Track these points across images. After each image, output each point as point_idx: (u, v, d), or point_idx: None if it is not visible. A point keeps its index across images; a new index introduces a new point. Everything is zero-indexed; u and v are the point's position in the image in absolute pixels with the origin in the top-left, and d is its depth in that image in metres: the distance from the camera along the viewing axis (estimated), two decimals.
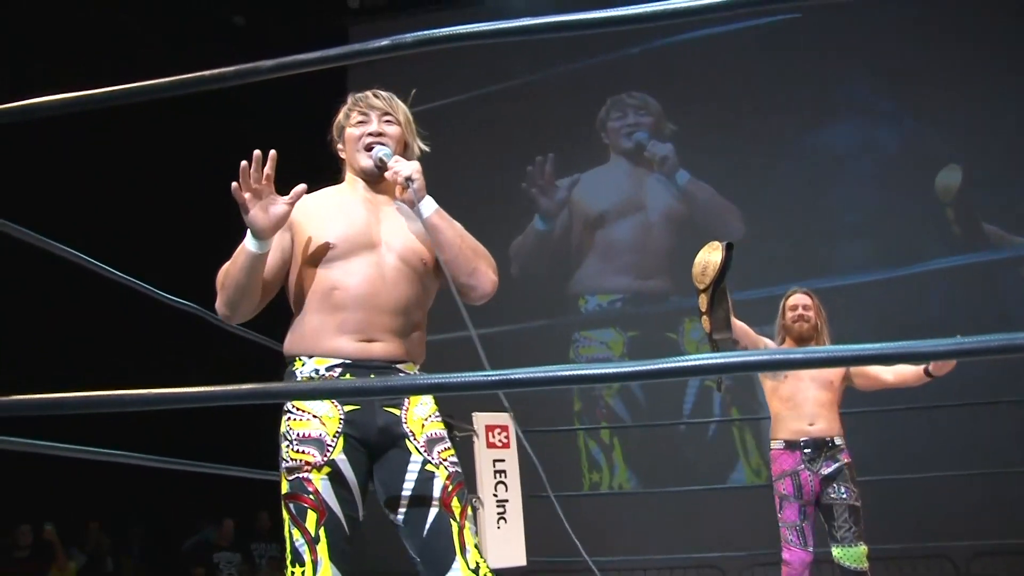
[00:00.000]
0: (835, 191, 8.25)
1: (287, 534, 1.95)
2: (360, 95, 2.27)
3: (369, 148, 2.19)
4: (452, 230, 2.12)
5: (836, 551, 3.87)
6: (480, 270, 2.15)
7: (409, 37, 1.31)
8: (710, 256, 3.70)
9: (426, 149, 2.30)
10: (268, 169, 1.96)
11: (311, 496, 1.94)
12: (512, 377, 1.16)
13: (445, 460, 2.06)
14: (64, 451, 2.77)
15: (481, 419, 5.08)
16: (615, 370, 1.15)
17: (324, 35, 9.21)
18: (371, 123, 2.21)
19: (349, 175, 2.27)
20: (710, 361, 1.16)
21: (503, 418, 5.18)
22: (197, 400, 1.27)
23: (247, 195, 1.95)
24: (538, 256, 8.85)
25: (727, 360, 1.19)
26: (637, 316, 8.52)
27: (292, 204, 1.99)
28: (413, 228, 2.17)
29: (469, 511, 2.04)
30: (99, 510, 8.03)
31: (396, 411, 2.06)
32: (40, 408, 1.34)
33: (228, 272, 2.02)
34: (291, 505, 1.95)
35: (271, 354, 4.04)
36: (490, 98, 8.93)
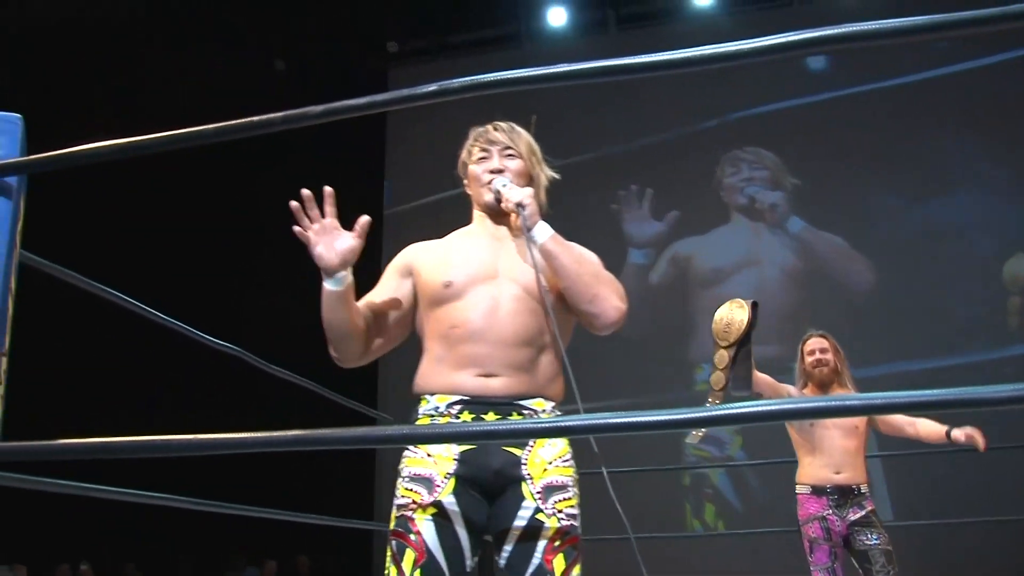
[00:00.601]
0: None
1: (388, 569, 1.93)
2: (480, 130, 2.22)
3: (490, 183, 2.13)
4: (568, 255, 2.01)
5: None
6: (601, 296, 2.01)
7: (456, 83, 1.31)
8: (734, 313, 3.68)
9: (556, 176, 2.23)
10: (328, 207, 1.92)
11: (412, 536, 1.89)
12: (615, 421, 1.13)
13: (561, 512, 1.92)
14: (106, 494, 2.77)
15: None
16: (645, 419, 1.12)
17: (363, 79, 9.34)
18: (492, 158, 2.15)
19: (476, 213, 2.21)
20: (745, 410, 1.14)
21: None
22: (293, 444, 1.24)
23: (309, 234, 1.91)
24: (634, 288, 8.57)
25: (762, 408, 1.16)
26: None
27: (361, 237, 1.93)
28: (527, 255, 2.06)
29: (576, 571, 1.91)
30: (135, 550, 8.06)
31: (518, 451, 1.94)
32: (91, 452, 1.34)
33: (324, 316, 1.98)
34: (393, 542, 1.93)
35: (317, 399, 4.06)
36: (608, 160, 8.92)
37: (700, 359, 8.28)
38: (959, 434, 3.87)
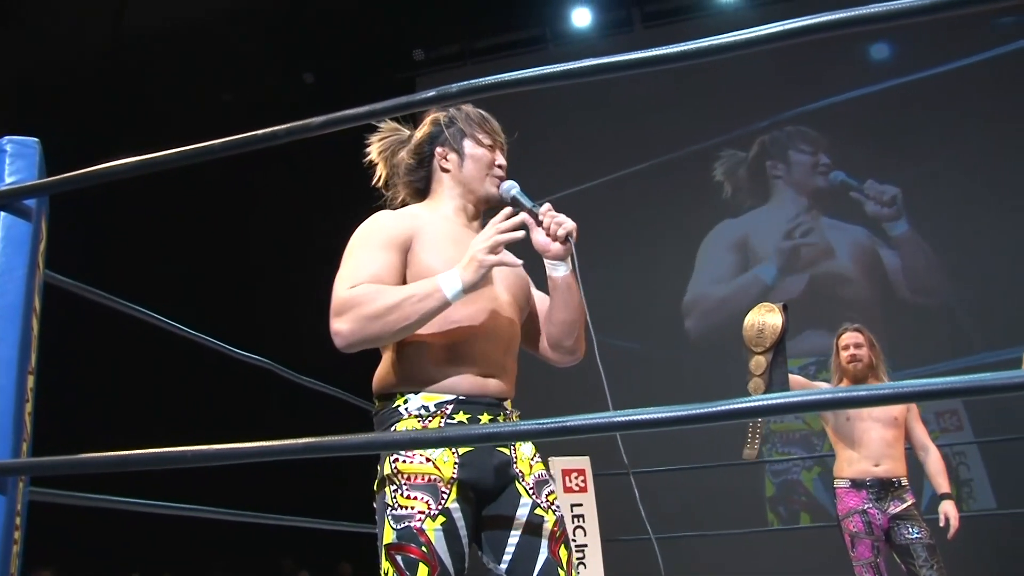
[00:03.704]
0: None
1: None
2: (484, 114, 2.13)
3: (499, 178, 2.06)
4: (580, 294, 2.02)
5: None
6: (582, 340, 2.08)
7: (454, 87, 1.31)
8: (766, 318, 3.64)
9: None
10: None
11: (423, 548, 1.77)
12: (640, 418, 1.12)
13: (552, 504, 1.93)
14: (142, 507, 2.81)
15: (558, 463, 5.05)
16: (671, 414, 1.12)
17: (391, 88, 9.41)
18: (498, 154, 2.08)
19: (454, 194, 2.08)
20: (775, 402, 1.13)
21: (581, 462, 5.14)
22: (305, 452, 1.24)
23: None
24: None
25: (791, 400, 1.15)
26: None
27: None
28: (516, 268, 2.02)
29: (574, 560, 1.92)
30: (175, 562, 8.15)
31: (506, 451, 1.92)
32: (109, 466, 1.37)
33: (397, 306, 1.79)
34: (398, 557, 1.78)
35: (348, 407, 4.09)
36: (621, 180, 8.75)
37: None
38: (945, 508, 3.91)
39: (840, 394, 1.12)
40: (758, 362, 3.68)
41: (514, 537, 1.87)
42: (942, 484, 3.99)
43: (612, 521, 4.93)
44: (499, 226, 1.83)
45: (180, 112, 8.07)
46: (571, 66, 1.25)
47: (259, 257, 8.96)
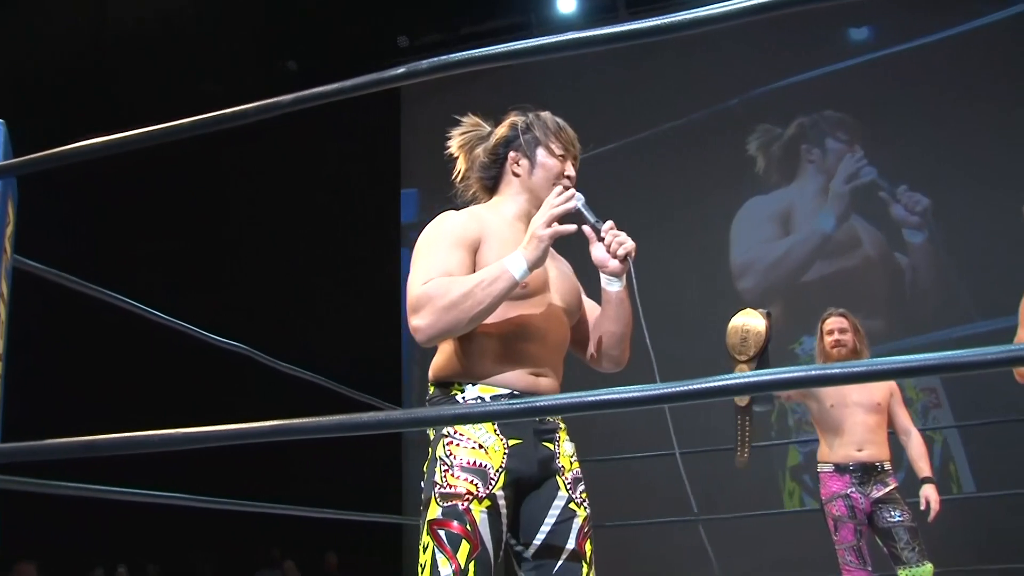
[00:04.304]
0: None
1: (428, 560, 1.87)
2: (560, 123, 2.18)
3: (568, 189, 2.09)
4: (631, 309, 2.12)
5: (903, 573, 3.85)
6: (627, 350, 2.19)
7: (424, 64, 1.31)
8: (750, 322, 3.61)
9: None
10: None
11: (468, 527, 1.87)
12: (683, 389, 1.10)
13: (584, 501, 2.05)
14: (114, 494, 2.79)
15: None
16: (640, 394, 1.10)
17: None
18: (568, 164, 2.14)
19: (519, 199, 2.15)
20: (745, 380, 1.11)
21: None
22: (367, 427, 1.19)
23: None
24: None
25: (763, 378, 1.14)
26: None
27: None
28: (567, 272, 2.19)
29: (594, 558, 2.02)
30: (158, 552, 8.12)
31: (551, 446, 2.03)
32: (74, 451, 1.35)
33: (469, 293, 1.87)
34: (441, 532, 1.87)
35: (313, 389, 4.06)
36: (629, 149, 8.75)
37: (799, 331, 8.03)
38: (926, 492, 3.93)
39: (814, 372, 1.12)
40: (741, 371, 3.64)
41: (547, 525, 1.98)
42: (923, 468, 4.01)
43: (596, 508, 4.92)
44: (553, 202, 1.93)
45: (162, 102, 8.00)
46: (541, 42, 1.24)
47: (238, 239, 8.91)
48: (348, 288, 9.30)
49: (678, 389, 1.05)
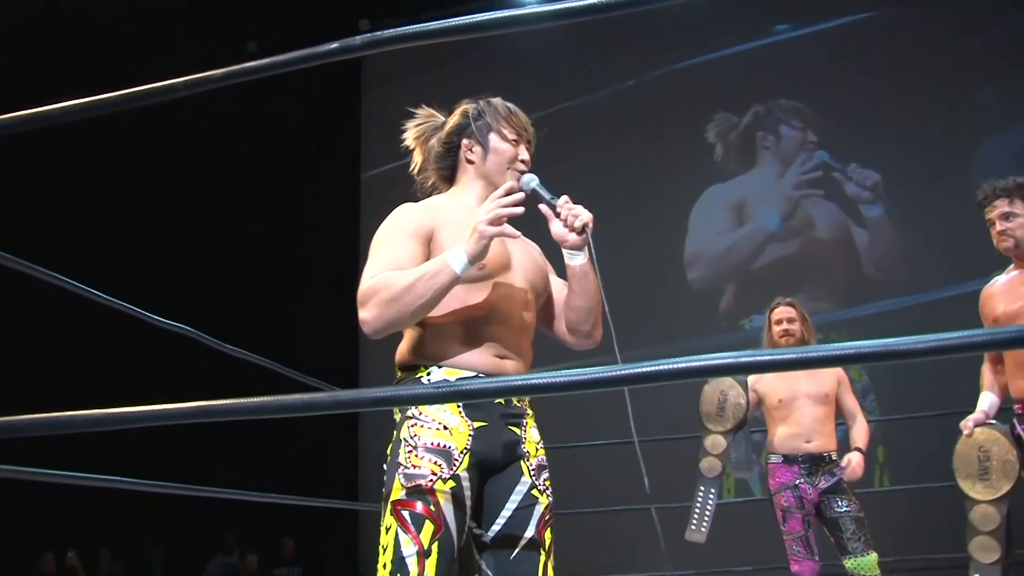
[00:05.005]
0: None
1: (391, 541, 1.88)
2: (512, 108, 2.18)
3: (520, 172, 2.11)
4: (597, 282, 2.10)
5: (849, 563, 3.88)
6: (599, 325, 2.17)
7: (358, 40, 1.29)
8: (730, 395, 3.51)
9: None
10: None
11: (431, 507, 1.88)
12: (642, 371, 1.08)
13: (547, 488, 2.05)
14: (81, 480, 2.74)
15: None
16: (608, 374, 1.08)
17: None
18: (522, 148, 2.14)
19: (476, 185, 2.14)
20: (705, 363, 1.09)
21: None
22: (291, 409, 1.18)
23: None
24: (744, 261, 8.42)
25: (726, 361, 1.11)
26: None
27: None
28: (532, 252, 2.19)
29: (553, 547, 2.02)
30: (111, 538, 8.01)
31: (517, 430, 2.03)
32: (50, 427, 1.31)
33: (411, 287, 1.88)
34: (405, 512, 1.88)
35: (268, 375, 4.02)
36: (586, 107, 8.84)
37: (747, 311, 8.18)
38: (851, 456, 3.93)
39: (757, 358, 1.11)
40: (716, 442, 3.58)
41: (508, 510, 1.98)
42: (858, 440, 4.02)
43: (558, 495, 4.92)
44: (500, 200, 1.90)
45: (117, 83, 7.85)
46: (478, 18, 1.22)
47: (200, 224, 8.78)
48: (304, 275, 9.26)
49: (624, 372, 1.04)
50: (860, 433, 4.06)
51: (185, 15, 8.62)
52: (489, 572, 1.97)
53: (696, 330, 8.22)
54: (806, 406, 4.03)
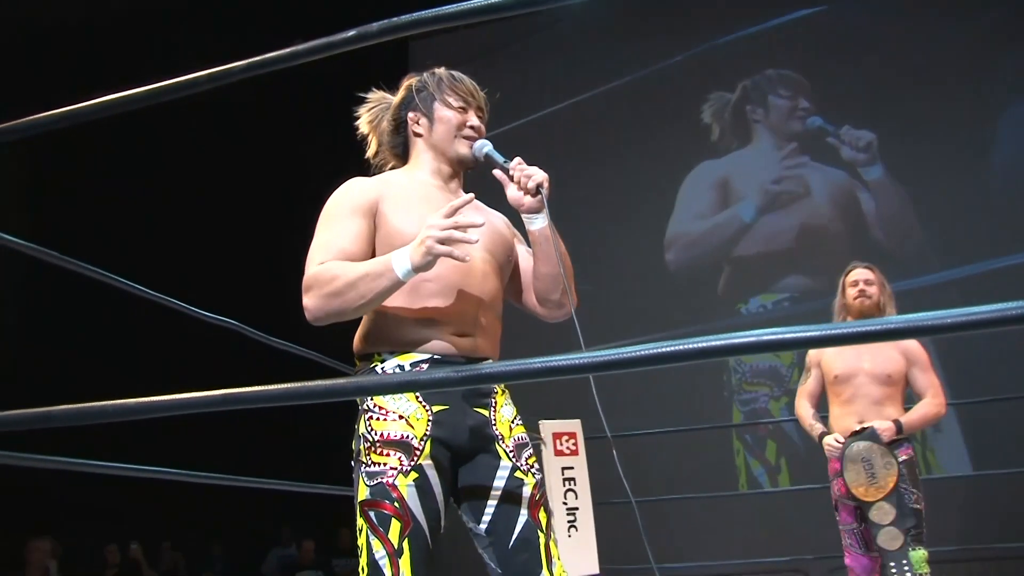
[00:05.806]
0: None
1: (363, 544, 1.81)
2: (456, 75, 2.11)
3: (470, 139, 2.06)
4: (561, 245, 2.02)
5: None
6: (571, 294, 2.05)
7: (375, 26, 1.28)
8: (873, 458, 3.35)
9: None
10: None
11: (395, 504, 1.79)
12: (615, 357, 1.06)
13: (532, 467, 1.96)
14: (143, 473, 2.80)
15: (548, 427, 5.02)
16: (647, 352, 1.04)
17: (385, 51, 9.25)
18: (470, 114, 2.07)
19: (427, 157, 2.09)
20: (749, 339, 1.05)
21: (572, 425, 5.11)
22: (265, 399, 1.19)
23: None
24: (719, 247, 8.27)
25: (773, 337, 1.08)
26: (806, 316, 7.34)
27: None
28: (496, 223, 2.10)
29: (553, 523, 1.93)
30: (173, 530, 8.17)
31: (485, 412, 1.94)
32: (29, 423, 1.34)
33: (354, 284, 1.81)
34: (371, 513, 1.81)
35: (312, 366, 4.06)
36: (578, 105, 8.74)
37: (744, 294, 8.05)
38: (887, 424, 3.64)
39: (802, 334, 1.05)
40: (882, 511, 3.41)
41: (493, 500, 1.90)
42: (907, 414, 3.69)
43: (603, 484, 4.92)
44: (458, 222, 1.76)
45: (119, 83, 7.91)
46: (490, 1, 1.21)
47: (238, 208, 8.85)
48: None
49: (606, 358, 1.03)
50: (915, 410, 3.70)
51: (229, 16, 8.69)
52: (492, 564, 1.91)
53: (675, 317, 7.91)
54: (864, 385, 3.70)
